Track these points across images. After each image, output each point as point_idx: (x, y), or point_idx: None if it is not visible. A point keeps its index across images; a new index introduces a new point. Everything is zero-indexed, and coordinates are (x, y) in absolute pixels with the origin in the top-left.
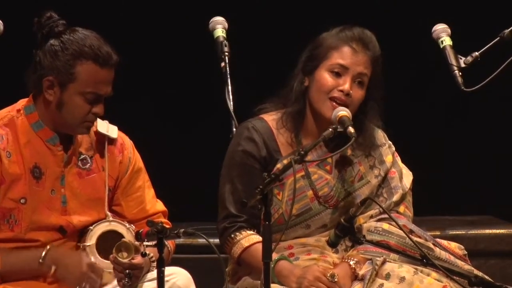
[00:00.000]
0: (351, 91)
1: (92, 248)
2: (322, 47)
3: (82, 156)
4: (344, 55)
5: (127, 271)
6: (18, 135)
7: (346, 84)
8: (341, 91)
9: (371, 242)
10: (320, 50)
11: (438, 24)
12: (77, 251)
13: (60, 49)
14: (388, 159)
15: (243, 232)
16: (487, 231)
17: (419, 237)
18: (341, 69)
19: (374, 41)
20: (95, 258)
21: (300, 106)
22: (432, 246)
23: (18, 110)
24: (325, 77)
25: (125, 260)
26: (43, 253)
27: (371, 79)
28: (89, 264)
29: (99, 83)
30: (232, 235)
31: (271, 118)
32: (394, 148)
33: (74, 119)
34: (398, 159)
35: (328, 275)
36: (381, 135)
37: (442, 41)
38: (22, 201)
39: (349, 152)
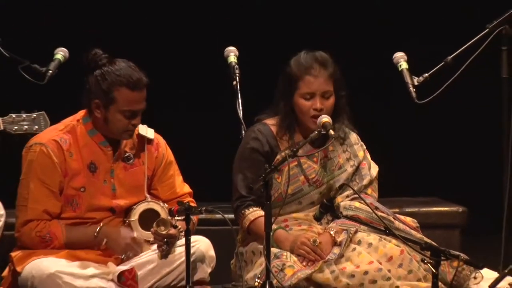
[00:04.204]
0: (322, 107)
1: (135, 223)
2: (291, 78)
3: (127, 154)
4: (308, 84)
5: (165, 240)
6: (78, 139)
7: (317, 104)
8: (316, 109)
9: (346, 217)
10: (290, 80)
11: (397, 52)
12: (123, 227)
13: (101, 79)
14: (360, 154)
15: (250, 209)
16: (434, 209)
17: (383, 212)
18: (310, 95)
19: (327, 59)
20: (137, 230)
21: (290, 120)
22: (392, 219)
23: (78, 120)
24: (301, 103)
25: (164, 232)
26: (97, 229)
27: (335, 86)
28: (132, 238)
29: (133, 102)
30: (242, 211)
31: (271, 123)
32: (364, 147)
33: (117, 130)
34: (368, 154)
35: (311, 240)
36: (355, 137)
37: (400, 65)
38: (82, 189)
39: (330, 148)
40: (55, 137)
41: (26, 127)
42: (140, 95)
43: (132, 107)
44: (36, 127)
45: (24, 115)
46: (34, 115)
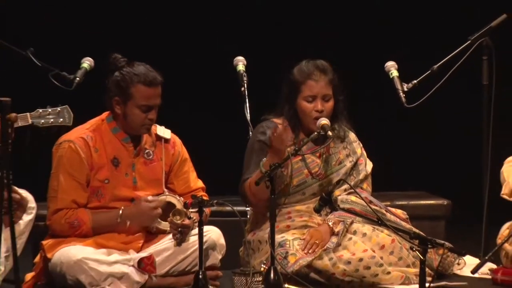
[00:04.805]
0: (323, 108)
1: None
2: (295, 83)
3: (147, 151)
4: (310, 87)
5: (179, 229)
6: (102, 137)
7: (318, 106)
8: (317, 111)
9: (343, 209)
10: (294, 85)
11: (389, 61)
12: (140, 204)
13: (120, 78)
14: (358, 151)
15: (249, 180)
16: (422, 202)
17: (376, 205)
18: (312, 98)
19: (327, 66)
20: (156, 221)
21: (295, 121)
22: (384, 212)
23: (102, 120)
24: (304, 105)
25: (179, 222)
26: (120, 213)
27: (334, 90)
28: (150, 208)
29: (148, 98)
30: (243, 185)
31: (278, 121)
32: (361, 145)
33: (135, 124)
34: (364, 152)
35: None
36: (353, 135)
37: (391, 73)
38: (106, 181)
39: (332, 145)
40: (82, 135)
41: (52, 120)
42: (155, 91)
43: (148, 102)
44: (61, 119)
45: (49, 109)
46: (59, 109)
